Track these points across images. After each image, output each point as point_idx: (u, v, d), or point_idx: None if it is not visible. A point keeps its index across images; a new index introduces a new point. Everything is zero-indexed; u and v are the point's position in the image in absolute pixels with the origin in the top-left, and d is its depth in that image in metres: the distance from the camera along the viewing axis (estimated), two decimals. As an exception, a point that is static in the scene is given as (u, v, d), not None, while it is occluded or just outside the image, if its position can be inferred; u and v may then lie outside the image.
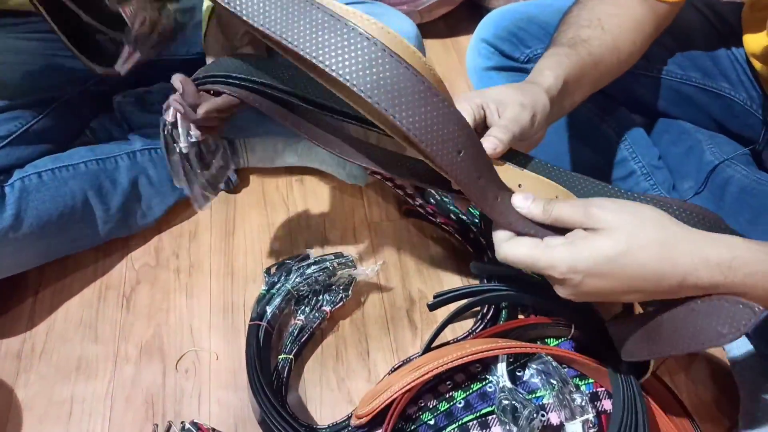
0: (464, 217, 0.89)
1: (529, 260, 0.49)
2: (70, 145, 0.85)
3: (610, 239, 0.46)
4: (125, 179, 0.83)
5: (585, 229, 0.48)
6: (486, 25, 0.95)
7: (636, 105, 0.96)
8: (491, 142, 0.52)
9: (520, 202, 0.51)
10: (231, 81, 0.58)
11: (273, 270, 0.82)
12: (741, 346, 0.77)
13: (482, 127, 0.56)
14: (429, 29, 1.29)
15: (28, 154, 0.78)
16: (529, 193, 0.52)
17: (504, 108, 0.55)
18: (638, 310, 0.65)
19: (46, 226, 0.75)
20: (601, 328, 0.72)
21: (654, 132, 0.95)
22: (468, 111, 0.54)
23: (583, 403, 0.69)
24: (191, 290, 0.84)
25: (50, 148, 0.80)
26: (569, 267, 0.47)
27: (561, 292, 0.51)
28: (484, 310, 0.79)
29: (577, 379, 0.73)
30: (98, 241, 0.84)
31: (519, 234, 0.51)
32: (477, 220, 0.89)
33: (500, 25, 0.93)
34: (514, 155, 0.57)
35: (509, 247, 0.50)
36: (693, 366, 0.80)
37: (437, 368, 0.67)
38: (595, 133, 0.92)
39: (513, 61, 0.94)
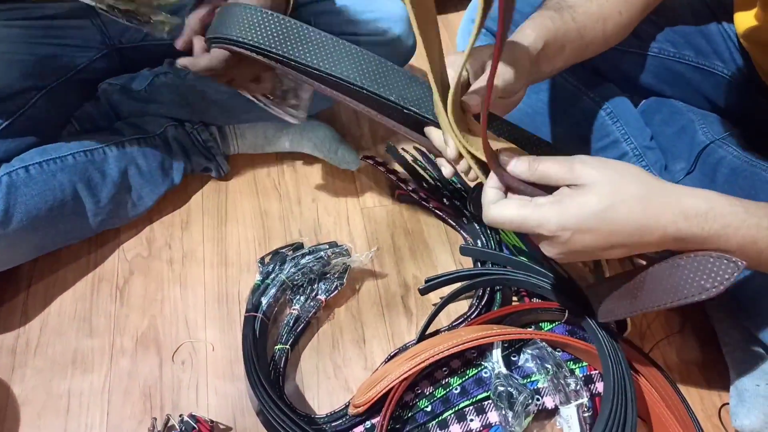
0: (457, 202, 0.89)
1: (518, 220, 0.49)
2: (56, 136, 0.83)
3: (596, 195, 0.47)
4: (114, 170, 0.81)
5: (569, 186, 0.49)
6: (476, 6, 0.94)
7: (628, 83, 0.96)
8: (473, 99, 0.53)
9: (506, 157, 0.51)
10: (242, 45, 0.58)
11: (267, 259, 0.81)
12: (730, 326, 0.78)
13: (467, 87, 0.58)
14: (418, 6, 1.27)
15: (14, 147, 0.77)
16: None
17: (486, 65, 0.57)
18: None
19: (36, 220, 0.74)
20: (589, 312, 0.73)
21: (646, 111, 0.95)
22: (452, 77, 0.55)
23: (578, 387, 0.70)
24: (185, 280, 0.83)
25: (36, 141, 0.79)
26: (558, 224, 0.48)
27: (550, 251, 0.51)
28: (479, 293, 0.80)
29: (571, 362, 0.74)
30: (89, 233, 0.83)
31: (508, 192, 0.52)
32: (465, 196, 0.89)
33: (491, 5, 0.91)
34: (492, 119, 0.58)
35: (498, 208, 0.51)
36: (685, 346, 0.81)
37: (433, 357, 0.67)
38: (577, 106, 0.92)
39: (504, 41, 0.93)
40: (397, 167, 0.94)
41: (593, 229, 0.47)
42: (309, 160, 0.97)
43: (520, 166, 0.51)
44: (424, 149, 0.96)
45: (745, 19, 0.77)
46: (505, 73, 0.55)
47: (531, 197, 0.51)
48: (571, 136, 0.93)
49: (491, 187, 0.52)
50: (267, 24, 0.57)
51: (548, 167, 0.50)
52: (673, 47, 0.91)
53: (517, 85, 0.57)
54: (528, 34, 0.60)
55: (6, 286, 0.81)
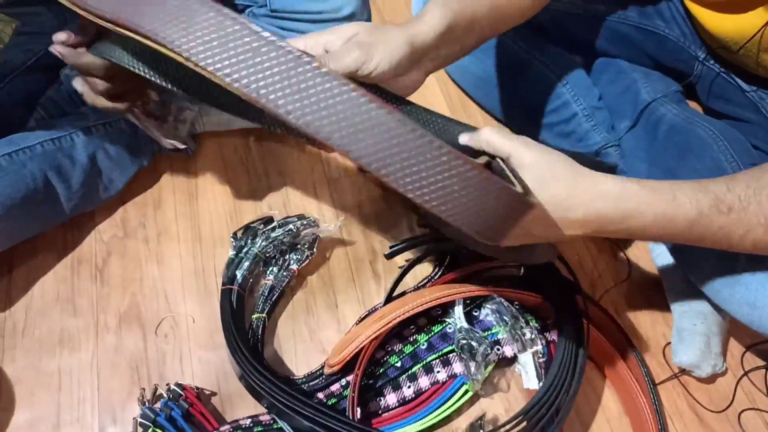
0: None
1: None
2: (22, 124, 0.85)
3: (532, 173, 0.52)
4: (83, 156, 0.83)
5: (504, 159, 0.54)
6: None
7: (575, 45, 1.00)
8: None
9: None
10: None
11: (239, 234, 0.85)
12: (673, 272, 0.85)
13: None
14: (375, -29, 1.28)
15: (-19, 140, 0.78)
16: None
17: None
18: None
19: (10, 210, 0.76)
20: (544, 267, 0.79)
21: (593, 72, 0.99)
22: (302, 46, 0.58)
23: (533, 336, 0.76)
24: (161, 257, 0.87)
25: (4, 132, 0.80)
26: None
27: None
28: (441, 256, 0.85)
29: (528, 314, 0.80)
30: (64, 218, 0.85)
31: None
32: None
33: None
34: (398, 101, 0.63)
35: None
36: (632, 292, 0.88)
37: (400, 317, 0.73)
38: (528, 69, 0.95)
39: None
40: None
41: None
42: (274, 135, 1.00)
43: (463, 137, 0.56)
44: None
45: None
46: (379, 60, 0.56)
47: None
48: (522, 98, 0.97)
49: None
50: None
51: (494, 139, 0.55)
52: (617, 8, 0.95)
53: (399, 71, 0.58)
54: (427, 19, 0.60)
55: (-13, 274, 0.84)
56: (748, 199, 0.54)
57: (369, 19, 0.89)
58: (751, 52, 0.78)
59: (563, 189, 0.52)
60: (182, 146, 0.77)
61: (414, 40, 0.57)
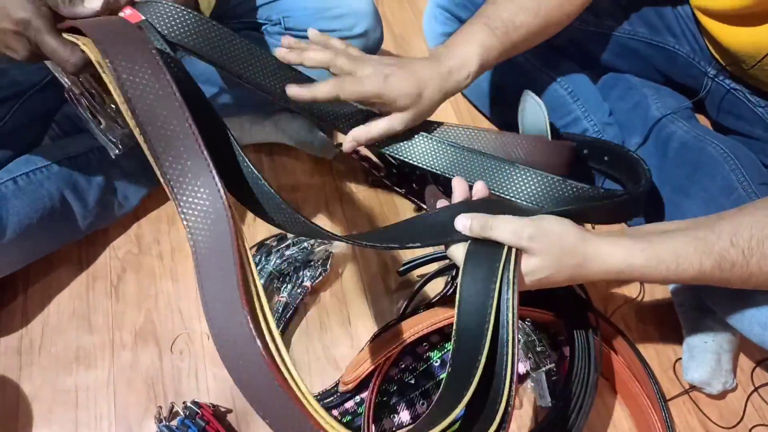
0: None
1: None
2: (38, 142, 0.86)
3: (542, 264, 0.56)
4: (98, 174, 0.84)
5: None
6: None
7: (585, 61, 1.00)
8: (348, 145, 0.69)
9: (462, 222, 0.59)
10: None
11: (253, 251, 0.86)
12: (684, 289, 0.86)
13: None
14: (384, -16, 1.29)
15: (-1, 158, 0.79)
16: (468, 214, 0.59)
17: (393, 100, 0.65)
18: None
19: (28, 229, 0.77)
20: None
21: (603, 87, 1.00)
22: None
23: (546, 354, 0.77)
24: (176, 274, 0.88)
25: (20, 150, 0.81)
26: None
27: None
28: (453, 273, 0.86)
29: (540, 331, 0.81)
30: (79, 235, 0.86)
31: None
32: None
33: None
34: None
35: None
36: (643, 308, 0.88)
37: (414, 336, 0.74)
38: (536, 84, 0.96)
39: (469, 27, 0.96)
40: (370, 154, 0.99)
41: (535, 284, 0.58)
42: (286, 150, 1.00)
43: (475, 227, 0.58)
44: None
45: None
46: (404, 119, 0.66)
47: None
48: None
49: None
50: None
51: (503, 236, 0.57)
52: (628, 25, 0.95)
53: (430, 105, 0.66)
54: (465, 64, 0.68)
55: (4, 291, 0.84)
56: (751, 252, 0.56)
57: (382, 37, 0.90)
58: (766, 66, 0.77)
59: (567, 278, 0.57)
60: (114, 148, 0.68)
61: (447, 89, 0.64)
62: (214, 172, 0.42)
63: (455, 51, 0.68)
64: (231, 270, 0.40)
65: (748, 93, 0.88)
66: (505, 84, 0.98)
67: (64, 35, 0.54)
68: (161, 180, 0.43)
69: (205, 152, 0.43)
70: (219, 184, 0.42)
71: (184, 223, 0.42)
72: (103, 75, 0.48)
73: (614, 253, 0.56)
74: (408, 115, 0.66)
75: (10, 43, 0.55)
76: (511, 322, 0.53)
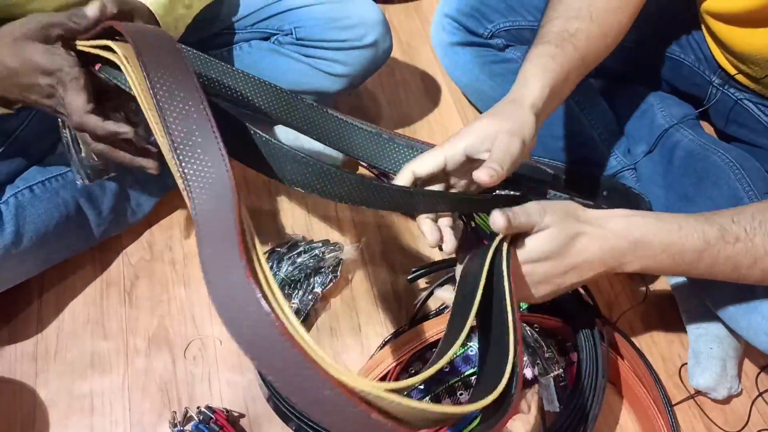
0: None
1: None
2: (52, 151, 0.87)
3: (553, 245, 0.55)
4: (112, 182, 0.86)
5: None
6: (449, 0, 0.98)
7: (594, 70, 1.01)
8: (486, 172, 0.55)
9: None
10: None
11: (265, 258, 0.87)
12: (689, 295, 0.87)
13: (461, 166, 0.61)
14: (391, -7, 1.30)
15: (14, 168, 0.80)
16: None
17: (492, 141, 0.58)
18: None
19: (44, 236, 0.78)
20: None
21: (609, 95, 1.01)
22: (436, 163, 0.59)
23: (554, 359, 0.78)
24: (188, 280, 0.89)
25: (36, 158, 0.83)
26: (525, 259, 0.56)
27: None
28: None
29: (547, 337, 0.82)
30: (93, 242, 0.88)
31: None
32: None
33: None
34: None
35: None
36: (649, 314, 0.90)
37: (423, 342, 0.75)
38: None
39: (477, 36, 0.98)
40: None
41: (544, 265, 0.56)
42: (295, 156, 1.02)
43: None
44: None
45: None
46: (512, 149, 0.58)
47: None
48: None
49: None
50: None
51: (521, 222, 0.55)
52: (633, 34, 0.96)
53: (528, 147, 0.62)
54: (532, 87, 0.63)
55: (19, 298, 0.86)
56: (754, 231, 0.57)
57: (391, 46, 0.91)
58: None
59: (580, 242, 0.55)
60: (85, 178, 0.70)
61: (525, 136, 0.60)
62: (221, 145, 0.44)
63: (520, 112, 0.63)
64: (232, 231, 0.40)
65: (754, 102, 0.89)
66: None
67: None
68: (170, 151, 0.43)
69: (215, 127, 0.44)
70: (225, 157, 0.44)
71: (189, 191, 0.42)
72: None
73: (614, 214, 0.57)
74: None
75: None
76: (505, 272, 0.52)
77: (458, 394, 0.78)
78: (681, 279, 0.88)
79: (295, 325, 0.36)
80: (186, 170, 0.43)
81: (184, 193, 0.43)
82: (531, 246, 0.55)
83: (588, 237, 0.55)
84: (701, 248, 0.57)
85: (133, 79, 0.51)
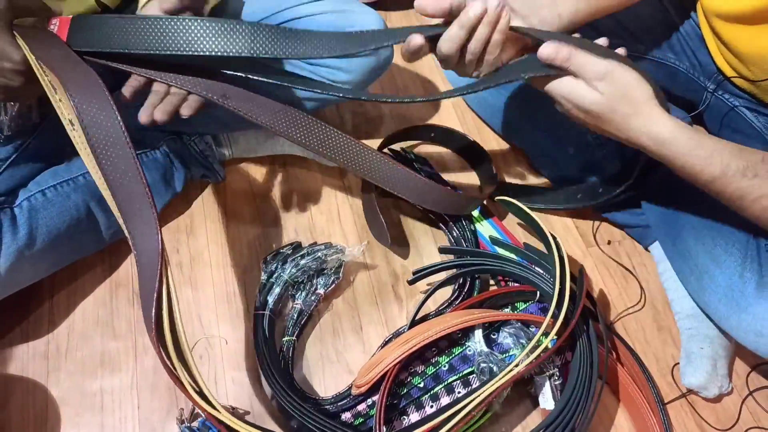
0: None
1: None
2: (64, 154, 0.89)
3: (597, 100, 0.62)
4: (121, 186, 0.88)
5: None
6: None
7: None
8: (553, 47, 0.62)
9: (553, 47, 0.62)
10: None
11: (269, 259, 0.90)
12: (681, 296, 0.89)
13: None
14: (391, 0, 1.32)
15: (28, 171, 0.83)
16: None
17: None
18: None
19: (56, 239, 0.81)
20: (560, 291, 0.83)
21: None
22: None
23: (549, 358, 0.80)
24: (195, 282, 0.92)
25: (49, 162, 0.85)
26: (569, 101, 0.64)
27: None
28: (461, 281, 0.89)
29: (544, 336, 0.84)
30: (103, 244, 0.90)
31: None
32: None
33: None
34: None
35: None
36: (643, 315, 0.92)
37: (423, 341, 0.77)
38: (543, 99, 0.99)
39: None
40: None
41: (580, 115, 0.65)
42: (299, 161, 1.04)
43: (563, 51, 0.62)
44: (405, 149, 1.04)
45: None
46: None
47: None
48: (537, 126, 1.01)
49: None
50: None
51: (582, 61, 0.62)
52: (630, 42, 0.98)
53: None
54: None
55: (31, 298, 0.88)
56: None
57: (392, 54, 0.93)
58: None
59: (622, 119, 0.62)
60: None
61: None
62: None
63: None
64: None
65: (747, 108, 0.91)
66: (510, 98, 1.01)
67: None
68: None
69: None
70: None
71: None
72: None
73: (666, 121, 0.62)
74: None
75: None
76: None
77: (456, 391, 0.80)
78: (675, 283, 0.90)
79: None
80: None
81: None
82: (577, 91, 0.62)
83: (631, 118, 0.62)
84: (716, 177, 0.63)
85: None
